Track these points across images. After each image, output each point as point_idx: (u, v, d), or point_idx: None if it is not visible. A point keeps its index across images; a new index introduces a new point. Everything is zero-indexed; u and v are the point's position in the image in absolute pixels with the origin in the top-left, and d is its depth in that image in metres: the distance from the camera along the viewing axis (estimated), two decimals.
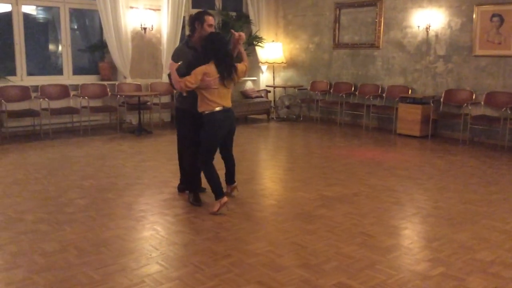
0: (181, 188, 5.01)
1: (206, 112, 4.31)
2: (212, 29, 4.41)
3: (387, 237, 3.92)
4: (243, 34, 4.60)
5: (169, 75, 4.44)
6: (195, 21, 4.40)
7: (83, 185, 5.28)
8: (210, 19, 4.39)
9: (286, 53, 11.05)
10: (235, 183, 4.89)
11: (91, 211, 4.43)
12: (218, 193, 4.39)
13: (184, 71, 4.26)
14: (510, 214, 4.50)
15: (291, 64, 11.07)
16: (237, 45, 4.58)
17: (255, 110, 10.13)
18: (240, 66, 4.50)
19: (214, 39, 4.30)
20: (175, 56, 4.47)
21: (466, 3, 8.13)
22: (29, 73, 8.48)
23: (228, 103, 4.41)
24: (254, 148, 7.63)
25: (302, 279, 3.15)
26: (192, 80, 4.17)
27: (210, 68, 4.22)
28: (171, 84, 4.49)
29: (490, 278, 3.21)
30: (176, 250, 3.61)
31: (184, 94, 4.39)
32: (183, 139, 4.71)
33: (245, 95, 10.19)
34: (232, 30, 4.77)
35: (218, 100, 4.30)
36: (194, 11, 10.17)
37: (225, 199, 4.40)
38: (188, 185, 4.81)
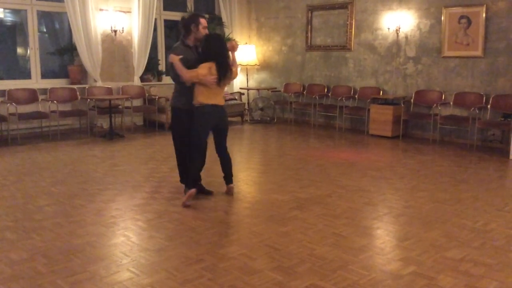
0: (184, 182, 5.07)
1: (197, 105, 4.60)
2: (206, 31, 4.71)
3: (359, 237, 3.94)
4: (237, 44, 4.97)
5: (170, 67, 4.61)
6: (191, 23, 4.65)
7: (52, 192, 5.16)
8: (204, 22, 4.72)
9: (260, 55, 11.06)
10: (231, 184, 5.02)
11: (60, 218, 4.33)
12: (189, 184, 4.71)
13: (184, 66, 4.51)
14: (479, 212, 4.60)
15: (264, 66, 11.09)
16: (232, 51, 4.84)
17: (229, 113, 9.89)
18: (233, 70, 4.82)
19: (217, 40, 4.67)
20: (175, 52, 4.61)
21: (435, 6, 8.28)
22: None
23: (221, 101, 4.73)
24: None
25: (275, 282, 3.14)
26: (203, 72, 4.48)
27: (212, 67, 4.52)
28: (173, 76, 4.66)
29: (460, 276, 3.26)
30: (147, 256, 3.55)
31: (188, 85, 4.59)
32: (182, 138, 4.82)
33: None
34: (231, 39, 5.01)
35: (211, 97, 4.60)
36: (166, 13, 10.14)
37: (193, 191, 4.65)
38: (188, 181, 4.87)
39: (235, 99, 10.33)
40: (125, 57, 9.40)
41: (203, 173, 5.09)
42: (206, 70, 4.50)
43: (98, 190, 5.22)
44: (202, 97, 4.59)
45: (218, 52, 4.59)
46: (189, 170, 4.76)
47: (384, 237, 4.02)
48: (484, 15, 7.70)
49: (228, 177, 5.02)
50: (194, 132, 4.68)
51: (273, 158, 7.10)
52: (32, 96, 8.24)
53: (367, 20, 9.21)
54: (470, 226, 4.22)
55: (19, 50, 9.32)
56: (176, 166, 5.05)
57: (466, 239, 3.92)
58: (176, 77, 4.62)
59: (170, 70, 4.64)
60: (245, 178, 5.99)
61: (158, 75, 10.01)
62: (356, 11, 9.33)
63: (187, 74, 4.49)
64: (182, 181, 5.06)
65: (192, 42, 4.71)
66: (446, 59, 8.25)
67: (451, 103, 8.14)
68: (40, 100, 8.31)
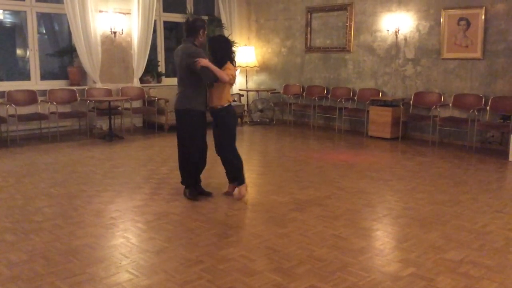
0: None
1: (226, 105, 4.78)
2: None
3: (358, 239, 3.94)
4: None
5: (204, 69, 4.59)
6: (201, 28, 4.83)
7: (51, 193, 5.16)
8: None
9: (259, 57, 11.07)
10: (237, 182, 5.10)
11: (59, 220, 4.32)
12: (244, 179, 4.93)
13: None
14: (478, 214, 4.60)
15: (264, 68, 11.10)
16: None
17: None
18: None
19: (228, 41, 5.00)
20: (200, 55, 4.69)
21: (434, 7, 8.29)
22: None
23: None
24: None
25: (274, 283, 3.14)
26: (234, 73, 4.78)
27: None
28: (206, 78, 4.66)
29: (459, 277, 3.26)
30: (147, 257, 3.55)
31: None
32: (188, 140, 4.85)
33: None
34: None
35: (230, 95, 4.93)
36: (165, 15, 10.16)
37: (246, 184, 4.98)
38: (191, 182, 4.99)
39: (235, 101, 10.32)
40: (125, 58, 9.40)
41: (202, 175, 5.09)
42: (234, 70, 4.76)
43: (97, 192, 5.22)
44: (229, 96, 4.84)
45: (231, 53, 4.88)
46: (239, 169, 4.91)
47: (383, 239, 4.02)
48: (483, 17, 7.71)
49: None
50: (229, 133, 4.83)
51: (272, 159, 7.11)
52: (31, 97, 8.24)
53: (366, 22, 9.22)
54: (469, 227, 4.23)
55: (19, 52, 9.33)
56: (177, 167, 5.05)
57: (465, 240, 3.92)
58: (207, 79, 4.63)
59: (201, 73, 4.59)
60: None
61: (158, 77, 10.02)
62: (355, 12, 9.34)
63: (226, 76, 4.62)
64: (183, 182, 5.06)
65: (198, 44, 4.84)
66: (445, 60, 8.26)
67: (450, 104, 8.15)
68: (39, 101, 8.30)
